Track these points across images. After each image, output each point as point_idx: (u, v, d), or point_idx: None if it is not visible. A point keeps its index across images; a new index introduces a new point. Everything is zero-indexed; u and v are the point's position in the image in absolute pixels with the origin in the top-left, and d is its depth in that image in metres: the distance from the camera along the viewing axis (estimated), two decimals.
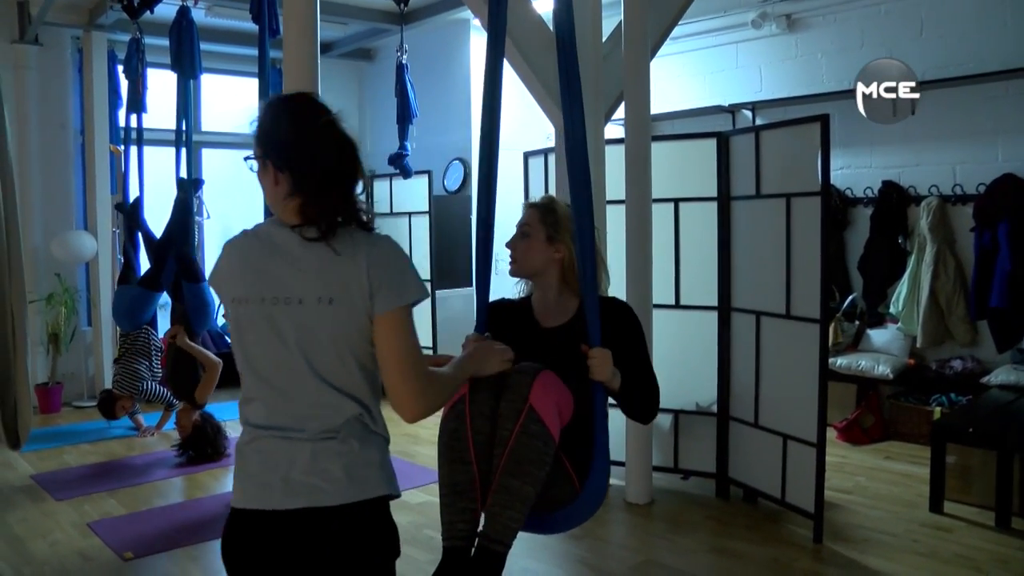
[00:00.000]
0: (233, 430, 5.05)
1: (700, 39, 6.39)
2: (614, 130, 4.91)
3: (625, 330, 2.10)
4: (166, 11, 5.48)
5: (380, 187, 7.17)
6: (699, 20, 6.11)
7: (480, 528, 1.84)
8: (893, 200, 5.41)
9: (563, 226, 2.14)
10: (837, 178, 5.61)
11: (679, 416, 4.35)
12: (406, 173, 6.19)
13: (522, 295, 2.27)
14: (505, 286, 2.30)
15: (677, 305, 4.35)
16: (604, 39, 4.36)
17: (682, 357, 4.21)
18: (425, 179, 6.63)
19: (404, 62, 5.96)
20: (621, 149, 4.13)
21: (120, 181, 6.40)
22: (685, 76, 6.61)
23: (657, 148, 4.18)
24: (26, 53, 6.46)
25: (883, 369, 5.20)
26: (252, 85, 6.47)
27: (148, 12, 5.55)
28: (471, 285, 6.91)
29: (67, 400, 6.65)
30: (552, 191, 4.55)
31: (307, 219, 1.53)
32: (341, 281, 1.50)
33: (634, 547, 3.72)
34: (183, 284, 5.15)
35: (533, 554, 3.51)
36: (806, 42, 5.94)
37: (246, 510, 1.53)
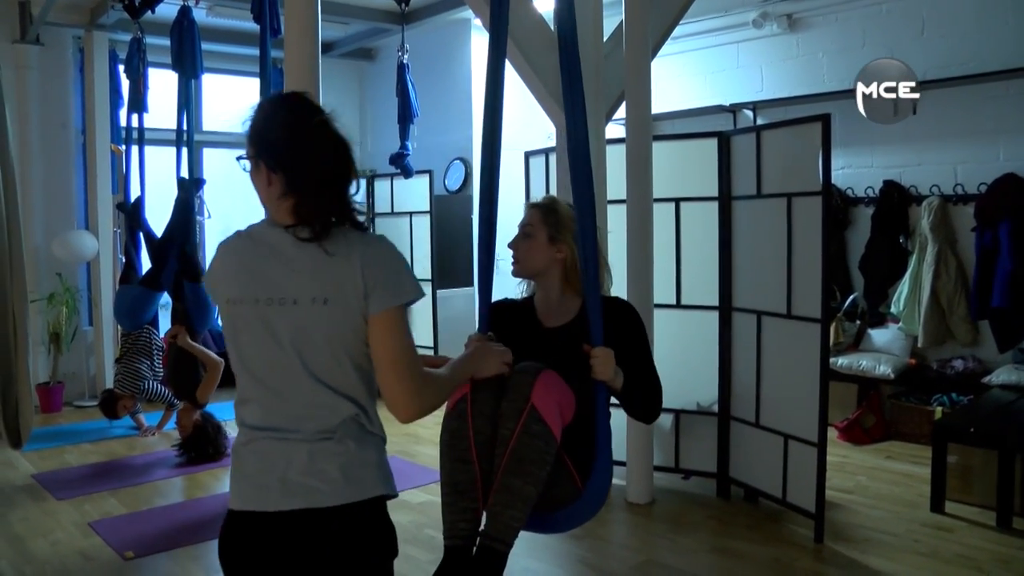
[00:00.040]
0: (233, 430, 5.06)
1: (701, 39, 6.39)
2: (615, 130, 4.90)
3: (627, 329, 2.10)
4: (167, 11, 5.48)
5: (381, 187, 7.17)
6: (700, 20, 6.10)
7: (482, 527, 1.84)
8: (894, 200, 5.40)
9: (565, 226, 2.14)
10: (838, 178, 5.60)
11: (680, 416, 4.35)
12: (407, 173, 6.19)
13: (525, 295, 2.27)
14: (507, 286, 2.30)
15: (678, 305, 4.34)
16: (605, 39, 4.36)
17: (683, 357, 4.21)
18: (426, 179, 6.64)
19: (405, 62, 5.97)
20: (622, 149, 4.13)
21: (121, 181, 6.41)
22: (686, 76, 6.61)
23: (658, 148, 4.18)
24: (27, 53, 6.47)
25: (884, 369, 5.20)
26: (253, 85, 6.45)
27: (149, 12, 5.56)
28: (472, 285, 6.97)
29: (68, 400, 6.65)
30: (553, 191, 4.55)
31: (301, 219, 1.53)
32: (335, 281, 1.50)
33: (635, 547, 3.72)
34: (184, 284, 5.16)
35: (534, 554, 3.51)
36: (807, 42, 5.94)
37: (243, 512, 1.52)
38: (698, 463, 4.33)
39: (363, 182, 7.18)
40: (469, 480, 1.85)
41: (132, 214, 5.75)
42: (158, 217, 5.62)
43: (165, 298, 5.66)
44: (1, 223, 3.52)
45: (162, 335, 5.82)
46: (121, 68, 6.30)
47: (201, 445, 5.00)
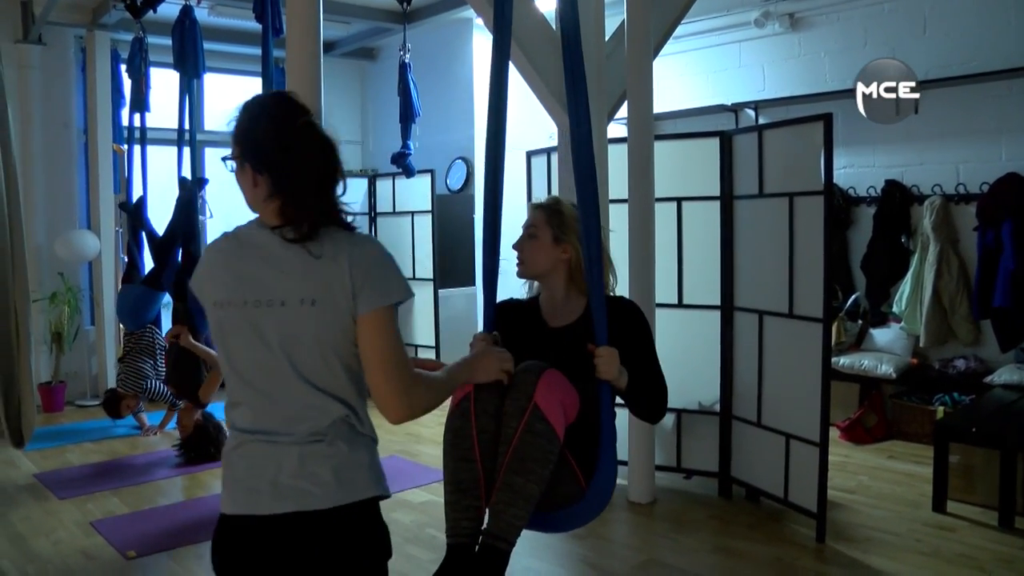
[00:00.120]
0: None
1: (703, 38, 6.38)
2: (617, 129, 4.90)
3: (632, 329, 2.10)
4: (169, 10, 5.49)
5: (383, 186, 7.17)
6: (702, 19, 6.10)
7: (484, 526, 1.85)
8: (896, 199, 5.40)
9: (569, 227, 2.14)
10: (840, 177, 5.60)
11: (682, 415, 4.35)
12: (409, 172, 6.19)
13: (531, 295, 2.27)
14: (510, 286, 2.30)
15: (680, 304, 4.34)
16: (607, 38, 4.36)
17: (685, 356, 4.20)
18: (428, 178, 6.63)
19: (407, 61, 5.96)
20: (624, 148, 4.13)
21: (123, 180, 6.42)
22: (688, 75, 6.61)
23: (660, 147, 4.18)
24: (29, 52, 6.48)
25: (886, 368, 5.19)
26: (255, 84, 6.48)
27: (151, 11, 5.56)
28: (474, 284, 6.97)
29: (70, 399, 6.66)
30: (555, 190, 4.55)
31: (287, 220, 1.51)
32: (323, 282, 1.49)
33: (636, 546, 3.72)
34: (187, 283, 5.15)
35: (535, 553, 3.51)
36: (809, 41, 5.94)
37: (235, 516, 1.51)
38: (700, 462, 4.33)
39: (353, 182, 7.15)
40: (472, 479, 1.85)
41: (135, 214, 5.76)
42: (160, 217, 5.63)
43: (167, 298, 5.66)
44: (3, 222, 3.53)
45: (164, 335, 5.83)
46: (123, 67, 6.30)
47: (202, 445, 5.01)
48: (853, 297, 5.64)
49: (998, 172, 4.92)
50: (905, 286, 5.34)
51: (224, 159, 1.58)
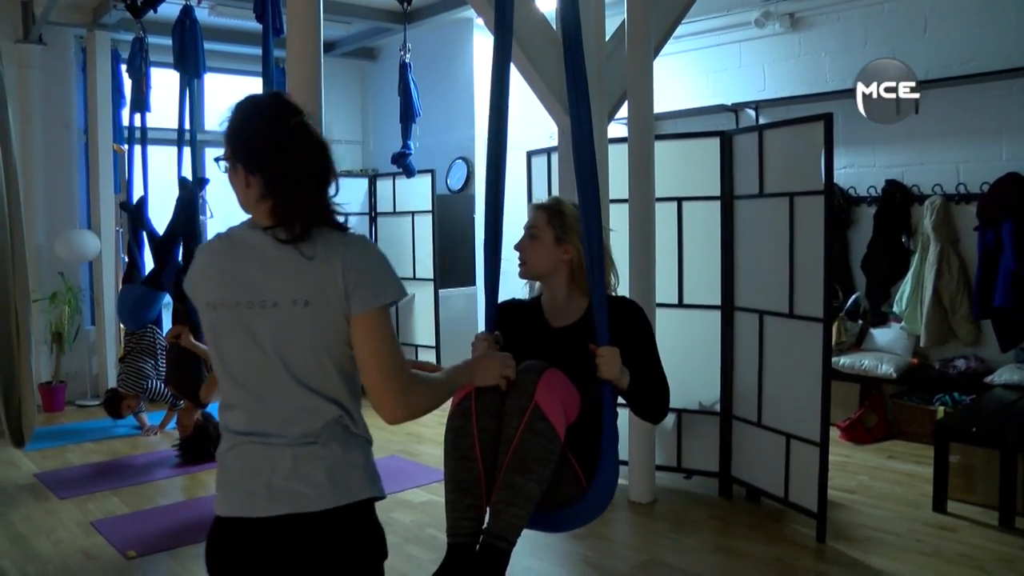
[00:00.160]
0: None
1: (703, 38, 6.38)
2: (617, 129, 4.90)
3: (634, 329, 2.10)
4: (169, 10, 5.49)
5: (383, 186, 7.17)
6: (702, 19, 6.10)
7: (485, 525, 1.85)
8: (896, 199, 5.40)
9: (571, 227, 2.14)
10: (840, 177, 5.60)
11: (682, 415, 4.35)
12: (409, 172, 6.19)
13: (533, 296, 2.27)
14: (512, 287, 2.30)
15: (680, 304, 4.34)
16: (607, 38, 4.36)
17: (685, 356, 4.20)
18: (428, 178, 6.63)
19: (407, 61, 5.96)
20: (624, 148, 4.12)
21: (124, 180, 6.42)
22: (688, 75, 6.61)
23: (660, 147, 4.17)
24: (30, 52, 6.47)
25: (886, 368, 5.19)
26: (256, 84, 6.49)
27: (151, 11, 5.56)
28: (474, 284, 6.97)
29: (70, 399, 6.66)
30: (555, 190, 4.55)
31: (280, 221, 1.51)
32: (316, 283, 1.48)
33: (637, 546, 3.72)
34: None
35: (536, 553, 3.51)
36: (809, 41, 5.94)
37: (230, 518, 1.51)
38: (700, 462, 4.33)
39: (354, 182, 7.20)
40: (473, 478, 1.85)
41: (136, 214, 5.76)
42: (161, 217, 5.63)
43: (168, 298, 5.67)
44: (3, 222, 3.53)
45: (165, 335, 5.83)
46: (123, 67, 6.30)
47: (202, 445, 5.00)
48: (853, 297, 5.64)
49: (998, 172, 4.92)
50: (905, 286, 5.34)
51: (217, 159, 1.57)
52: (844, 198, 5.67)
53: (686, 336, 4.26)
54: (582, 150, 2.06)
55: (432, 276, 6.62)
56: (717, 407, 4.26)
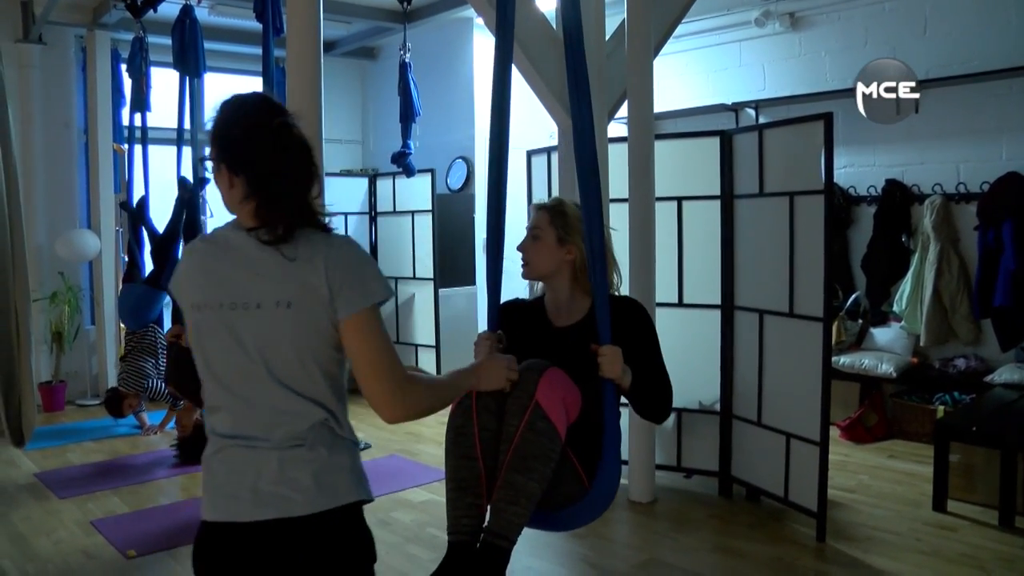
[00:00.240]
0: None
1: (703, 37, 6.39)
2: (617, 128, 4.90)
3: (636, 328, 2.10)
4: (169, 10, 5.49)
5: (383, 186, 7.17)
6: (702, 18, 6.10)
7: (485, 524, 1.85)
8: (896, 198, 5.40)
9: (573, 227, 2.15)
10: (840, 176, 5.60)
11: (682, 414, 4.35)
12: (409, 172, 6.19)
13: (536, 296, 2.28)
14: (514, 287, 2.30)
15: (680, 303, 4.34)
16: (607, 37, 4.36)
17: (685, 355, 4.19)
18: (428, 178, 6.63)
19: (407, 61, 5.96)
20: (624, 148, 4.12)
21: (124, 180, 6.42)
22: (688, 74, 6.61)
23: (660, 146, 4.18)
24: (30, 52, 6.47)
25: (886, 368, 5.19)
26: (256, 84, 6.49)
27: (151, 11, 5.56)
28: (474, 284, 6.97)
29: (71, 398, 6.67)
30: (555, 190, 4.55)
31: (263, 222, 1.50)
32: (299, 284, 1.47)
33: (637, 546, 3.72)
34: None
35: (536, 552, 3.51)
36: (810, 40, 5.94)
37: (216, 523, 1.50)
38: (700, 462, 4.33)
39: (354, 181, 7.20)
40: (473, 476, 1.85)
41: (137, 213, 5.77)
42: (162, 216, 5.63)
43: (168, 298, 5.67)
44: (3, 222, 3.53)
45: (165, 334, 5.83)
46: (123, 67, 6.31)
47: (201, 445, 4.97)
48: (853, 296, 5.64)
49: (999, 171, 4.92)
50: (905, 285, 5.34)
51: (202, 159, 1.57)
52: (844, 197, 5.68)
53: (686, 335, 4.26)
54: (584, 149, 2.06)
55: (432, 276, 6.62)
56: (717, 406, 4.26)
